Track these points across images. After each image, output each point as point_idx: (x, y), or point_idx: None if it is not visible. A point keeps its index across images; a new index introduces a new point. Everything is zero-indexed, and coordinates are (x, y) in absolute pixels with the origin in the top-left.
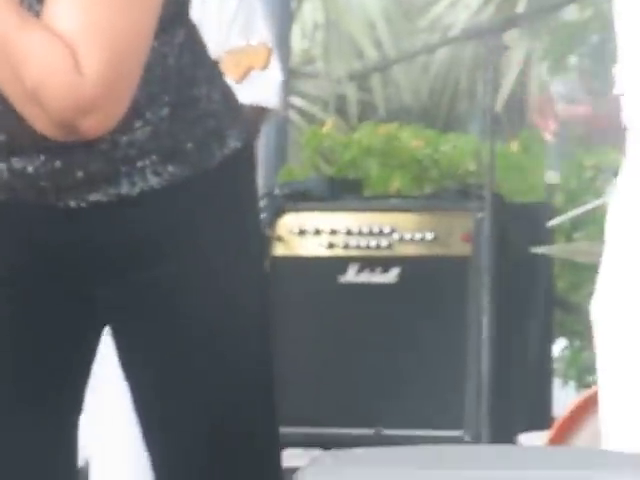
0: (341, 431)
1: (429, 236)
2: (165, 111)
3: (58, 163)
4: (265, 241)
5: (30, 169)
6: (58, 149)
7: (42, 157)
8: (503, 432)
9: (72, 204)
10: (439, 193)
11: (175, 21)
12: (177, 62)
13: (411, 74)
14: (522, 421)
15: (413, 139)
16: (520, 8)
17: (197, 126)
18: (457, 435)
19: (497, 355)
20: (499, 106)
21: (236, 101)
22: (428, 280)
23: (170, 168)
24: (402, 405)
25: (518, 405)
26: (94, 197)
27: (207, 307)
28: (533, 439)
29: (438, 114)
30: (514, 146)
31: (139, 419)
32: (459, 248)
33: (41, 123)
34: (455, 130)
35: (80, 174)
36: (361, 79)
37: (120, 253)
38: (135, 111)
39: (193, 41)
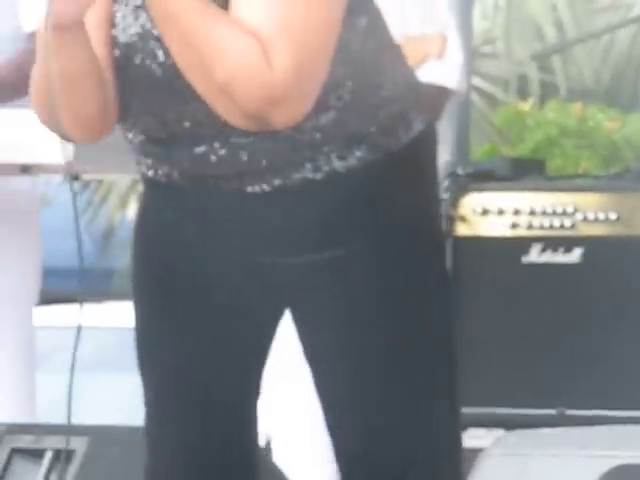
0: (524, 411)
1: (613, 216)
2: (349, 96)
3: (243, 149)
4: (447, 222)
5: (213, 158)
6: (243, 136)
7: (226, 144)
8: None
9: (256, 189)
10: (623, 173)
11: (360, 7)
12: (361, 47)
13: (593, 54)
14: None
15: (606, 120)
16: None
17: (381, 110)
18: None
19: None
20: None
21: (419, 84)
22: (612, 260)
23: (356, 152)
24: (585, 385)
25: None
26: (278, 182)
27: (390, 287)
28: None
29: (620, 94)
30: None
31: (320, 399)
32: None
33: (232, 115)
34: (638, 110)
35: (265, 160)
36: (542, 59)
37: (302, 236)
38: (320, 96)
39: (377, 26)
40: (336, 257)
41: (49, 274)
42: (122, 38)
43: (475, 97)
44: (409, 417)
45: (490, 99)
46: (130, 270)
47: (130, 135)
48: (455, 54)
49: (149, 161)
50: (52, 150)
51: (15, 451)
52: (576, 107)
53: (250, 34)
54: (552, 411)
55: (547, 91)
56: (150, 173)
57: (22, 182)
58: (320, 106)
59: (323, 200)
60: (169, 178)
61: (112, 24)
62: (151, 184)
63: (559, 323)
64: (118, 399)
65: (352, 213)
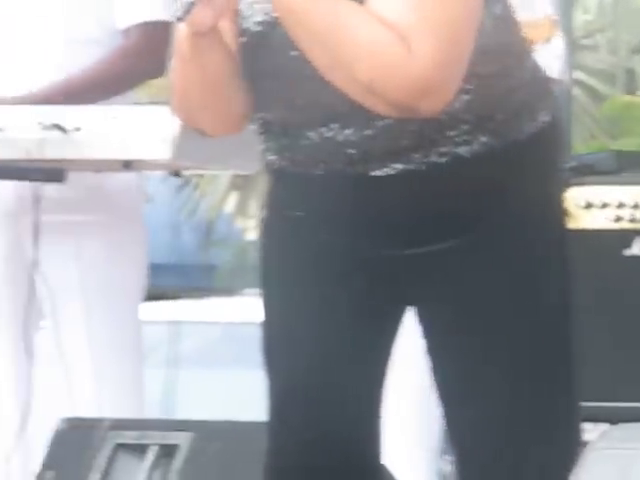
0: (629, 405)
1: None
2: (478, 82)
3: (368, 132)
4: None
5: (340, 138)
6: (369, 119)
7: (352, 126)
8: None
9: (380, 173)
10: None
11: None
12: (494, 34)
13: None
14: None
15: None
16: None
17: (509, 97)
18: None
19: None
20: None
21: (545, 74)
22: None
23: (481, 138)
24: None
25: None
26: (401, 165)
27: (512, 278)
28: None
29: None
30: None
31: (440, 395)
32: None
33: (376, 106)
34: None
35: (390, 142)
36: None
37: (425, 222)
38: None
39: (508, 13)
40: (459, 246)
41: (151, 270)
42: (247, 26)
43: (577, 91)
44: (529, 415)
45: (591, 92)
46: (260, 262)
47: (258, 122)
48: (557, 42)
49: (276, 148)
50: (154, 146)
51: (119, 446)
52: None
53: (388, 27)
54: None
55: None
56: (276, 161)
57: (126, 178)
58: None
59: (447, 185)
60: (295, 164)
61: (237, 12)
62: (277, 174)
63: None
64: (221, 394)
65: (477, 200)
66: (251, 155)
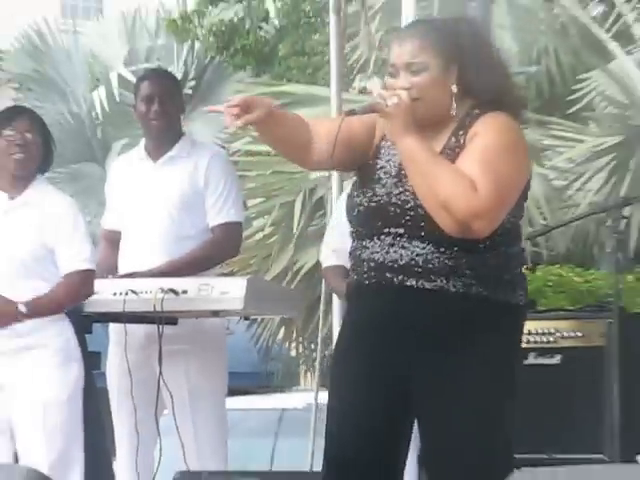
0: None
1: (579, 334)
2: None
3: (419, 256)
4: None
5: (399, 256)
6: (423, 243)
7: (408, 249)
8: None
9: (413, 284)
10: (584, 308)
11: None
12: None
13: (565, 234)
14: None
15: (575, 276)
16: None
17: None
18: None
19: None
20: None
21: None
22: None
23: (479, 289)
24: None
25: None
26: (433, 284)
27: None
28: None
29: (583, 258)
30: None
31: (423, 451)
32: None
33: (446, 223)
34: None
35: (431, 265)
36: (532, 239)
37: (442, 335)
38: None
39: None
40: (456, 357)
41: (231, 375)
42: (384, 165)
43: None
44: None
45: None
46: (333, 358)
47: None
48: None
49: (356, 264)
50: (231, 301)
51: None
52: (555, 269)
53: (466, 176)
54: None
55: (536, 259)
56: (355, 276)
57: (215, 320)
58: (486, 249)
59: (455, 308)
60: (364, 277)
61: (372, 154)
62: (352, 288)
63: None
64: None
65: (467, 326)
66: (293, 304)
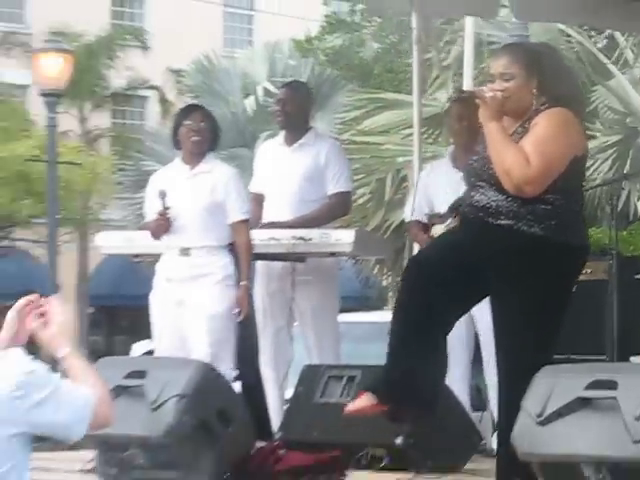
0: None
1: None
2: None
3: (492, 201)
4: None
5: (484, 202)
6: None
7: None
8: None
9: (493, 221)
10: None
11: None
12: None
13: None
14: None
15: None
16: None
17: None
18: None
19: None
20: None
21: None
22: None
23: (539, 230)
24: None
25: None
26: (499, 222)
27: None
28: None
29: None
30: None
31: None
32: None
33: (507, 184)
34: None
35: (501, 208)
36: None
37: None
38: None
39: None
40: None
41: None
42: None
43: None
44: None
45: None
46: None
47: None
48: None
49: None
50: (344, 245)
51: (331, 377)
52: None
53: (523, 152)
54: None
55: None
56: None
57: (331, 259)
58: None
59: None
60: (464, 214)
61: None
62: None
63: None
64: None
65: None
66: (385, 249)
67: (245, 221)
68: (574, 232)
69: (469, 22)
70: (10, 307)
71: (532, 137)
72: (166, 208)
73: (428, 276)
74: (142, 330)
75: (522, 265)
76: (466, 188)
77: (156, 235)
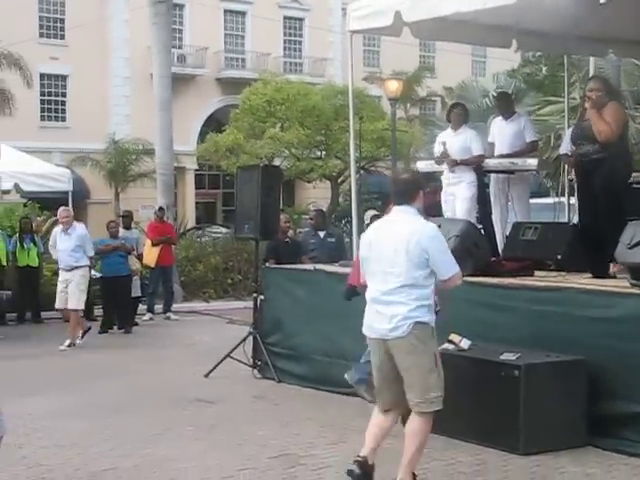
0: None
1: None
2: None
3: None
4: None
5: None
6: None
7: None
8: None
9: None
10: None
11: None
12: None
13: None
14: None
15: None
16: None
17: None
18: None
19: None
20: None
21: None
22: None
23: (612, 165)
24: None
25: None
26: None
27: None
28: None
29: None
30: None
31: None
32: None
33: (601, 139)
34: None
35: (592, 154)
36: None
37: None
38: None
39: None
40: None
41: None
42: None
43: None
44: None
45: None
46: None
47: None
48: None
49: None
50: (532, 164)
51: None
52: None
53: (606, 122)
54: None
55: None
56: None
57: (525, 173)
58: None
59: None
60: (577, 158)
61: None
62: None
63: None
64: None
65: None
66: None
67: (482, 155)
68: (628, 158)
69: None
70: None
71: (609, 115)
72: (445, 150)
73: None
74: None
75: (609, 174)
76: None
77: (439, 163)
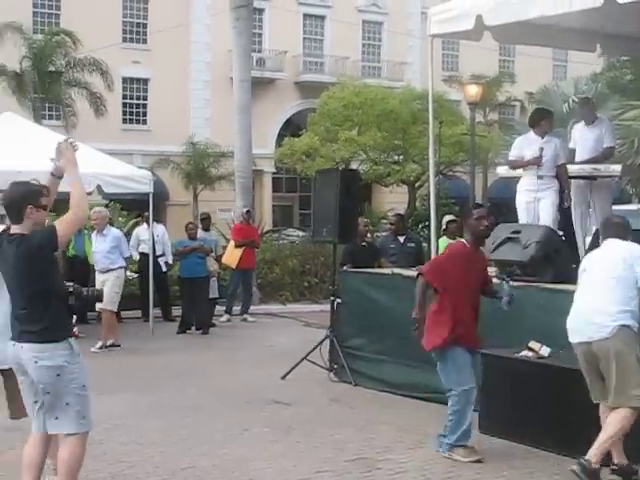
0: None
1: None
2: None
3: None
4: None
5: None
6: None
7: None
8: None
9: None
10: None
11: None
12: None
13: None
14: None
15: None
16: None
17: None
18: None
19: None
20: None
21: None
22: None
23: None
24: None
25: None
26: None
27: None
28: None
29: None
30: None
31: None
32: None
33: None
34: None
35: None
36: None
37: None
38: None
39: None
40: None
41: None
42: None
43: None
44: None
45: None
46: None
47: None
48: None
49: None
50: (615, 170)
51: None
52: None
53: None
54: None
55: None
56: None
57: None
58: None
59: None
60: None
61: None
62: None
63: None
64: None
65: None
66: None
67: (565, 164)
68: None
69: None
70: None
71: None
72: (540, 156)
73: None
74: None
75: None
76: None
77: (515, 166)
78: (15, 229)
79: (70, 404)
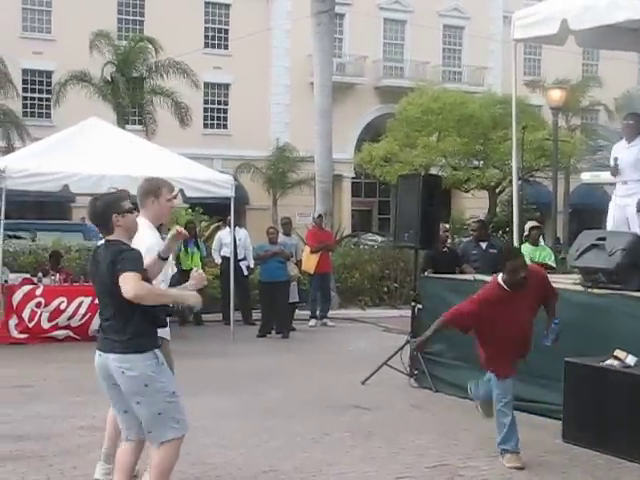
0: None
1: None
2: None
3: None
4: None
5: None
6: None
7: None
8: None
9: None
10: None
11: None
12: None
13: None
14: None
15: None
16: None
17: None
18: None
19: None
20: None
21: None
22: None
23: None
24: None
25: None
26: None
27: None
28: None
29: None
30: None
31: None
32: None
33: None
34: None
35: None
36: None
37: None
38: None
39: None
40: None
41: None
42: None
43: None
44: None
45: None
46: None
47: None
48: None
49: None
50: None
51: None
52: None
53: None
54: None
55: None
56: None
57: None
58: None
59: None
60: None
61: None
62: None
63: None
64: None
65: None
66: None
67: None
68: None
69: None
70: None
71: None
72: (615, 166)
73: None
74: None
75: None
76: None
77: (614, 174)
78: (110, 239)
79: (162, 413)
